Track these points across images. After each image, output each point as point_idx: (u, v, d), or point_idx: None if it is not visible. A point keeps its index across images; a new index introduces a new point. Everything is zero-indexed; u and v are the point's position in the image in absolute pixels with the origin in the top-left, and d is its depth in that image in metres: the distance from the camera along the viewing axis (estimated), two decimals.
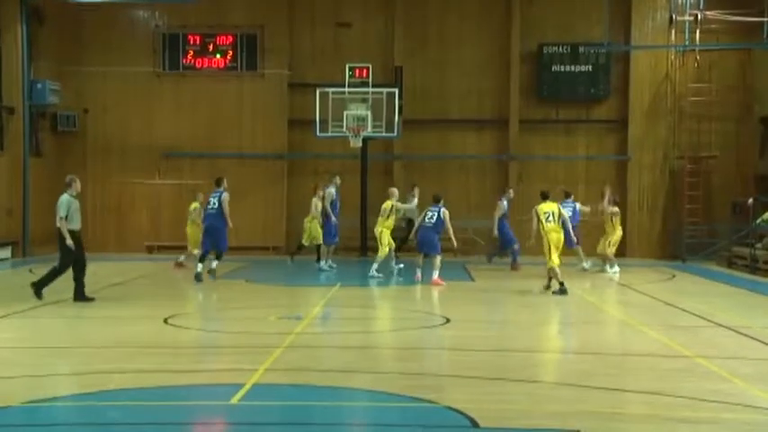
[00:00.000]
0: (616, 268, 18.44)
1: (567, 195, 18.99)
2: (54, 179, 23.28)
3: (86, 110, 23.91)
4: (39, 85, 22.29)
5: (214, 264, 16.71)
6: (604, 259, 18.68)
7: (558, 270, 14.75)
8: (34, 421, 6.83)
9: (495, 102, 24.21)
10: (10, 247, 21.36)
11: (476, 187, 23.94)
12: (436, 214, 16.19)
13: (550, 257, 14.75)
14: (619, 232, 18.68)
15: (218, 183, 16.83)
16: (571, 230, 16.65)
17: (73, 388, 7.89)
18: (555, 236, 14.90)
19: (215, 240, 16.46)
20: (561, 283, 14.69)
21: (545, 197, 15.38)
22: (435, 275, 15.99)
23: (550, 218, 14.87)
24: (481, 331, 11.40)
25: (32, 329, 11.09)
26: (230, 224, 16.42)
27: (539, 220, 14.90)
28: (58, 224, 12.95)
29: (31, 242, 22.05)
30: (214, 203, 16.44)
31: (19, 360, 9.07)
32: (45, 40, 23.04)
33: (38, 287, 13.16)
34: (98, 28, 23.81)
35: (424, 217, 16.39)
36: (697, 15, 22.47)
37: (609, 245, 18.51)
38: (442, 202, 16.41)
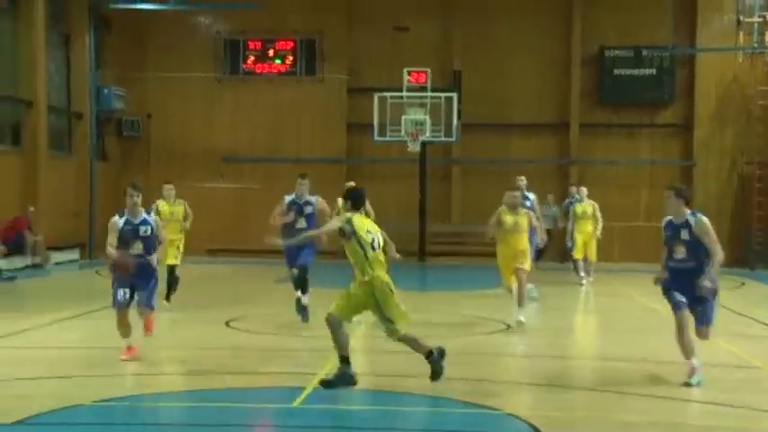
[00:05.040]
0: None
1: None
2: (119, 183, 23.80)
3: (150, 115, 24.35)
4: (105, 91, 22.83)
5: None
6: None
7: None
8: (101, 420, 6.93)
9: (556, 105, 23.94)
10: (78, 249, 21.87)
11: (536, 193, 23.71)
12: None
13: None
14: None
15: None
16: None
17: (137, 388, 7.99)
18: None
19: None
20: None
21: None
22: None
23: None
24: (542, 338, 11.21)
25: (98, 330, 11.27)
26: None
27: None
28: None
29: (97, 244, 22.54)
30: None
31: (86, 360, 9.22)
32: (111, 47, 23.58)
33: None
34: (161, 35, 24.24)
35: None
36: (765, 16, 21.94)
37: None
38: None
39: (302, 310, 11.43)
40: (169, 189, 13.46)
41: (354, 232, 7.69)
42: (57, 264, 20.26)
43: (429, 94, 21.77)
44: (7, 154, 19.85)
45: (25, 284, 16.99)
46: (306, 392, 7.52)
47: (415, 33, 24.09)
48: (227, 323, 11.57)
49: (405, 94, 21.76)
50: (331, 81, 24.08)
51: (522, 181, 15.23)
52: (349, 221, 7.75)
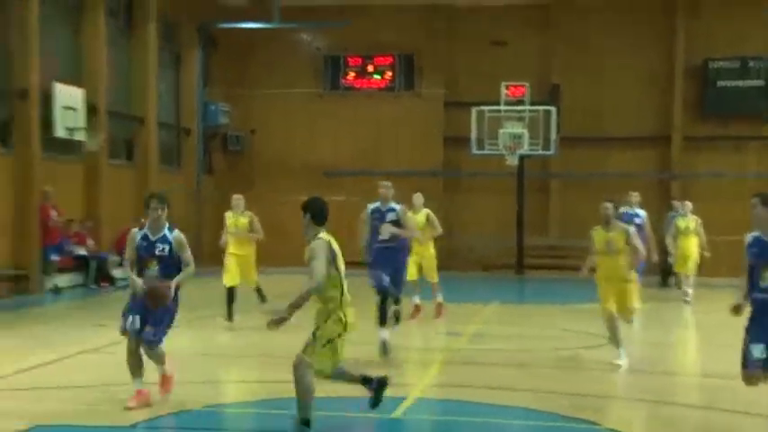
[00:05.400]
0: None
1: None
2: (223, 197, 24.64)
3: (254, 130, 25.14)
4: (212, 108, 23.76)
5: None
6: None
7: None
8: (210, 425, 7.29)
9: (656, 118, 23.53)
10: None
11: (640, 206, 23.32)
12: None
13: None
14: None
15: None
16: None
17: (245, 395, 8.35)
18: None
19: None
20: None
21: None
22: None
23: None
24: (642, 352, 11.07)
25: (206, 337, 11.77)
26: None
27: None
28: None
29: (203, 255, 23.37)
30: None
31: (195, 366, 9.64)
32: (217, 65, 24.53)
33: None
34: (264, 52, 25.01)
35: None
36: None
37: None
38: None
39: (383, 346, 9.99)
40: (237, 199, 12.92)
41: (334, 258, 5.91)
42: None
43: (527, 107, 21.77)
44: (122, 168, 20.87)
45: None
46: (408, 403, 7.68)
47: (512, 47, 24.10)
48: None
49: (502, 107, 21.82)
50: (429, 96, 24.34)
51: (635, 197, 14.24)
52: (329, 247, 5.99)
